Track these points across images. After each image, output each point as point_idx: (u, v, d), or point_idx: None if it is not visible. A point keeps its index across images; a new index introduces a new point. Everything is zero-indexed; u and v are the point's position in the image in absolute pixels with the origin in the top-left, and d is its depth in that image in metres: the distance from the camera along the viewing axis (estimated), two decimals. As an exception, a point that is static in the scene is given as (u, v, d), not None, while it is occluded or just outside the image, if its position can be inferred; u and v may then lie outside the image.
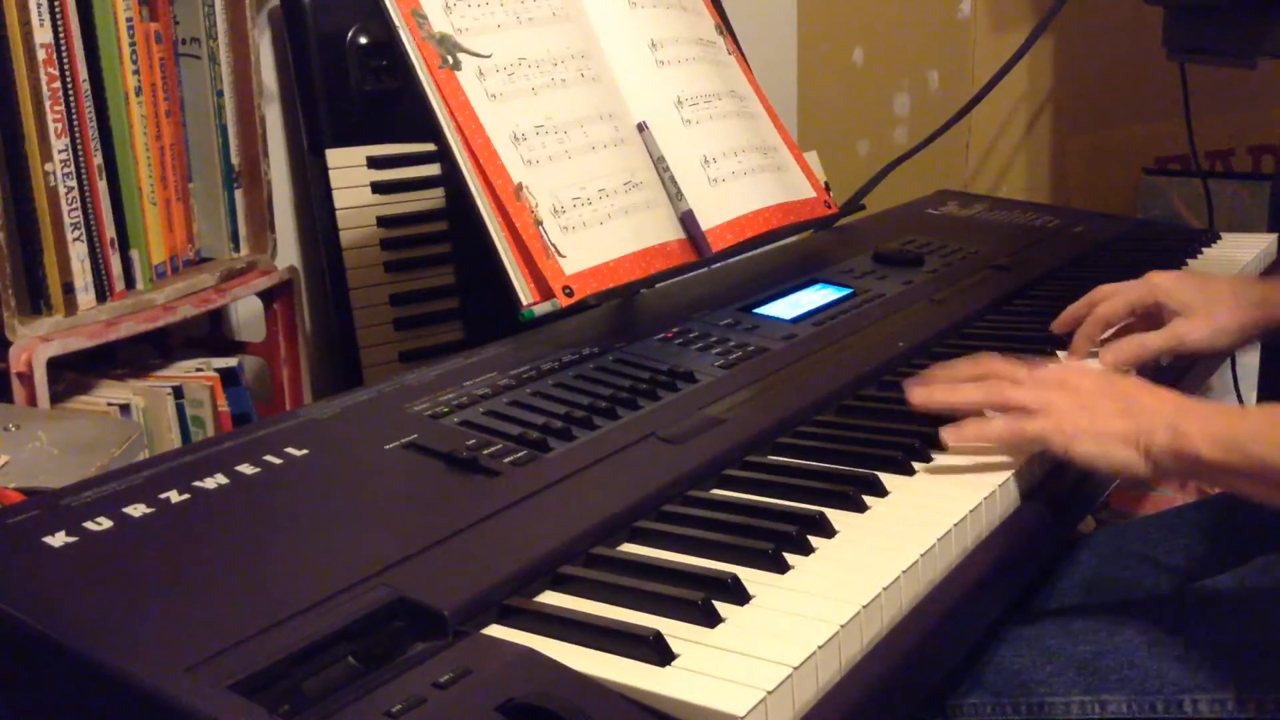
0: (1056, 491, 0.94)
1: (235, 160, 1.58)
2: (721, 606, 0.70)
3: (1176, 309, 1.14)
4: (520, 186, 1.14)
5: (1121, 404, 0.90)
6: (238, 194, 1.59)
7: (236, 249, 1.59)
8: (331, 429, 0.91)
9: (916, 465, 0.92)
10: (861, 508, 0.85)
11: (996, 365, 0.97)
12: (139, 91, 1.42)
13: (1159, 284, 1.16)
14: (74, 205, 1.31)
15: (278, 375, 1.65)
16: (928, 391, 0.96)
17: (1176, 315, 1.14)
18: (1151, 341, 1.13)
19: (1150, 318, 1.16)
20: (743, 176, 1.36)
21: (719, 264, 1.37)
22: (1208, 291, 1.15)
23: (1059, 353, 1.16)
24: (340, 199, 1.66)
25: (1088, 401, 0.91)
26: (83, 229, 1.33)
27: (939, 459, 0.93)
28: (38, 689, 0.66)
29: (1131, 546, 1.17)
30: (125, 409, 1.39)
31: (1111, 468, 0.90)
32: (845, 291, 1.33)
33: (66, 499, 0.77)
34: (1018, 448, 0.92)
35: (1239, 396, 1.98)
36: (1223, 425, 0.86)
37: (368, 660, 0.64)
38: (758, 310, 1.25)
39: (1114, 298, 1.16)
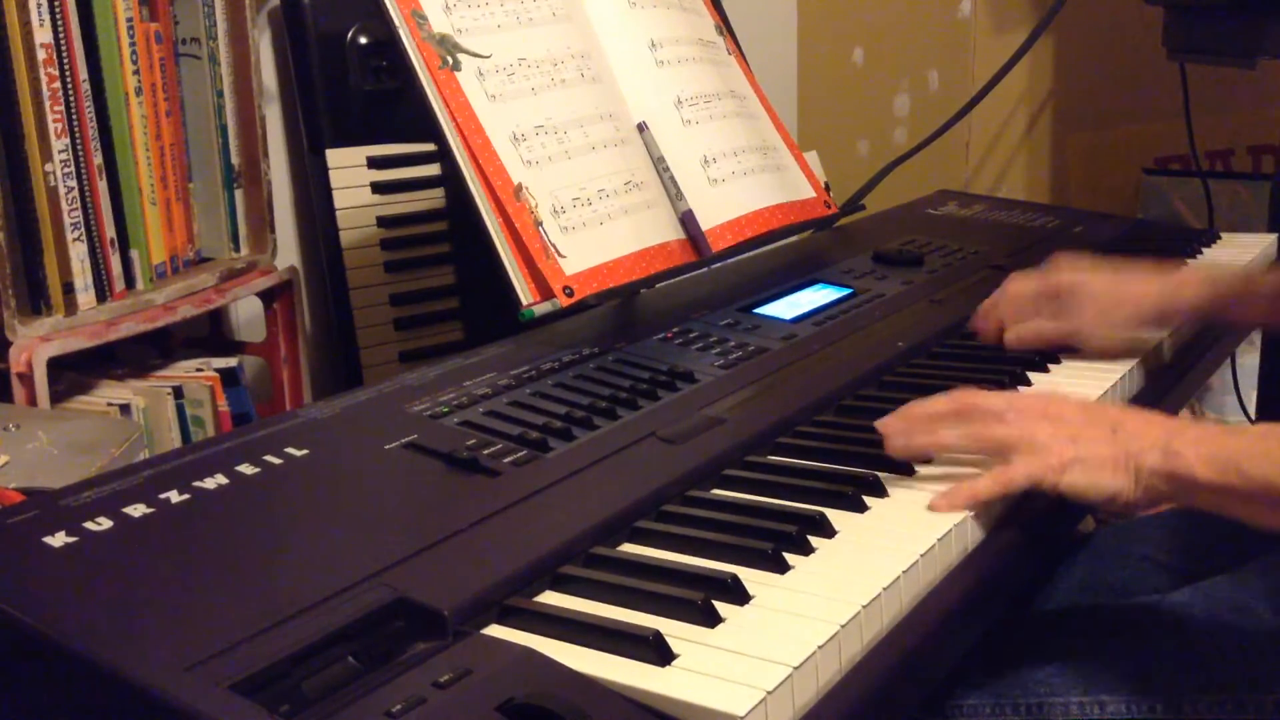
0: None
1: (235, 160, 1.58)
2: (721, 606, 0.70)
3: (1081, 301, 1.16)
4: (520, 187, 1.14)
5: (1107, 430, 0.88)
6: (238, 194, 1.59)
7: (236, 249, 1.59)
8: (331, 429, 0.91)
9: (917, 466, 0.92)
10: (861, 508, 0.85)
11: (975, 399, 0.92)
12: (139, 91, 1.42)
13: (1066, 277, 1.18)
14: (74, 205, 1.31)
15: (278, 375, 1.65)
16: (907, 435, 0.91)
17: (1082, 307, 1.16)
18: (1047, 330, 1.15)
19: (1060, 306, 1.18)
20: (743, 176, 1.36)
21: (719, 264, 1.37)
22: (1114, 287, 1.16)
23: (1029, 375, 1.12)
24: (340, 199, 1.67)
25: (1073, 431, 0.88)
26: (83, 229, 1.33)
27: (940, 460, 0.93)
28: (38, 689, 0.66)
29: (1131, 546, 1.18)
30: (125, 409, 1.39)
31: (1101, 495, 0.87)
32: (845, 291, 1.33)
33: (66, 499, 0.77)
34: (1010, 493, 0.88)
35: (1239, 396, 1.98)
36: (1218, 445, 0.84)
37: (368, 660, 0.64)
38: (758, 310, 1.25)
39: (1023, 280, 1.19)
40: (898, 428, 0.91)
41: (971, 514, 0.84)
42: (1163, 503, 0.89)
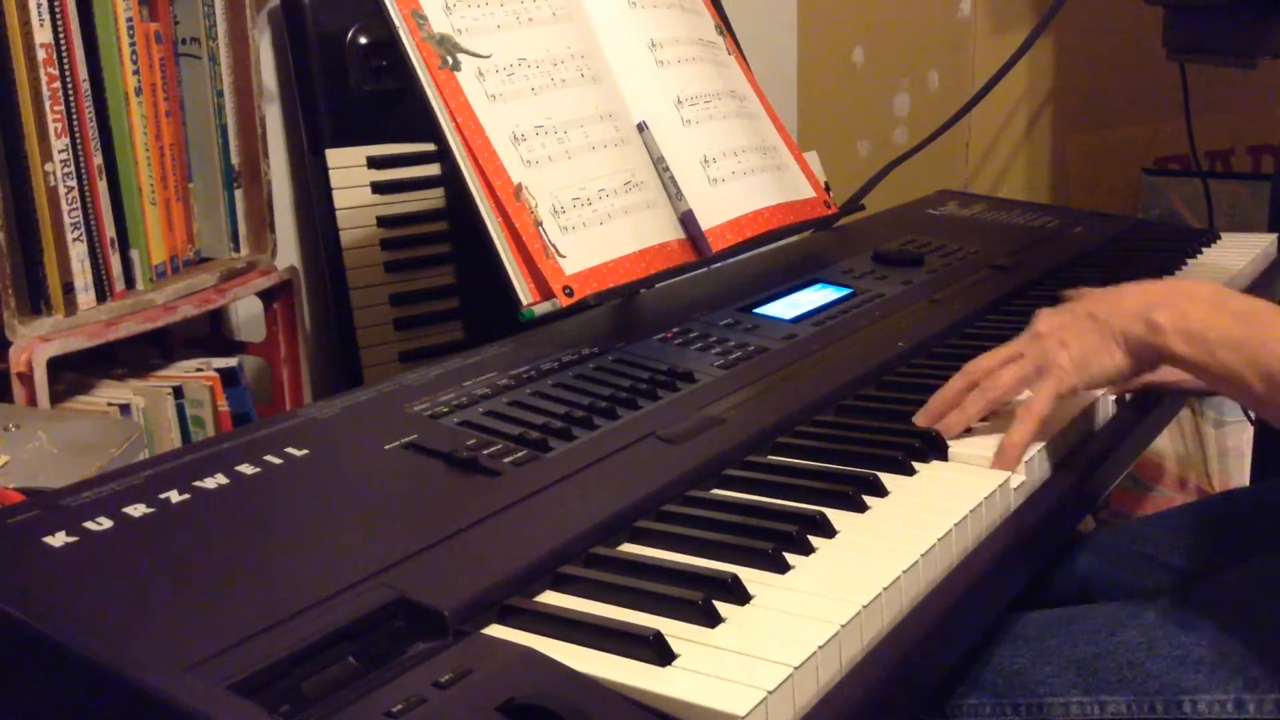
0: (1056, 492, 0.94)
1: (235, 160, 1.58)
2: (722, 606, 0.70)
3: None
4: (520, 187, 1.14)
5: (1089, 319, 0.92)
6: (238, 194, 1.59)
7: (236, 249, 1.59)
8: (331, 429, 0.91)
9: (917, 465, 0.92)
10: (862, 508, 0.85)
11: (979, 365, 0.98)
12: (139, 91, 1.42)
13: None
14: (74, 205, 1.31)
15: (278, 375, 1.65)
16: (946, 423, 0.96)
17: None
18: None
19: None
20: (742, 176, 1.36)
21: (719, 264, 1.37)
22: None
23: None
24: (340, 199, 1.66)
25: (1061, 336, 0.93)
26: (83, 229, 1.33)
27: (939, 459, 0.94)
28: (38, 689, 0.66)
29: (1131, 546, 1.18)
30: (125, 409, 1.39)
31: (1106, 378, 0.92)
32: (845, 291, 1.33)
33: (66, 499, 0.77)
34: (1044, 415, 0.93)
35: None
36: (1197, 320, 0.86)
37: (368, 660, 0.64)
38: (758, 310, 1.25)
39: None
40: (929, 416, 0.97)
41: (971, 510, 0.84)
42: (1153, 368, 0.93)
